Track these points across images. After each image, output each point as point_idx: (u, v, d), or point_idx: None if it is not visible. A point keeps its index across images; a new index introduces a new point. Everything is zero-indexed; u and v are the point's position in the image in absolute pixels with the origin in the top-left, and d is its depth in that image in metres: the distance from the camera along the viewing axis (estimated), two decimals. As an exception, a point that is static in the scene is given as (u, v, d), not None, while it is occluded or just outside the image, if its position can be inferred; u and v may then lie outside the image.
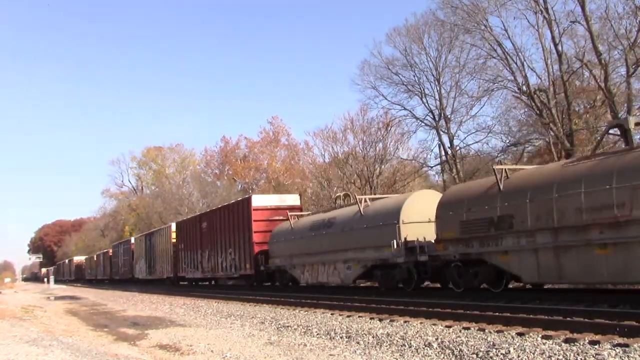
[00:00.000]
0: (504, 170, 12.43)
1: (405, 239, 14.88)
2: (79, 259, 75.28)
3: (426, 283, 16.08)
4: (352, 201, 18.14)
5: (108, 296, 31.59)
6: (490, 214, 12.26)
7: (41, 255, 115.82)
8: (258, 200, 23.35)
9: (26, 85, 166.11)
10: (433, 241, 14.22)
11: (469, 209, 12.92)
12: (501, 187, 12.11)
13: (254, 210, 22.70)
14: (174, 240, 32.47)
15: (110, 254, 52.38)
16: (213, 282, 31.63)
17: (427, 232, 14.56)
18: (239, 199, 26.69)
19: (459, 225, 13.11)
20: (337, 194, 23.64)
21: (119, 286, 43.46)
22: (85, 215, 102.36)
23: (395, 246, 14.94)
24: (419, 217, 15.06)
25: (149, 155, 71.56)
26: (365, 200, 17.32)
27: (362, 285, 16.54)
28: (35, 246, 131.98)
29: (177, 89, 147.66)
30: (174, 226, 33.41)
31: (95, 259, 61.82)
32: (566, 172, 11.13)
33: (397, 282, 15.77)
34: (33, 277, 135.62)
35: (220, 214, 26.27)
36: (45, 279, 74.71)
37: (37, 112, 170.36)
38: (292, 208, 22.61)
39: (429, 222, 14.48)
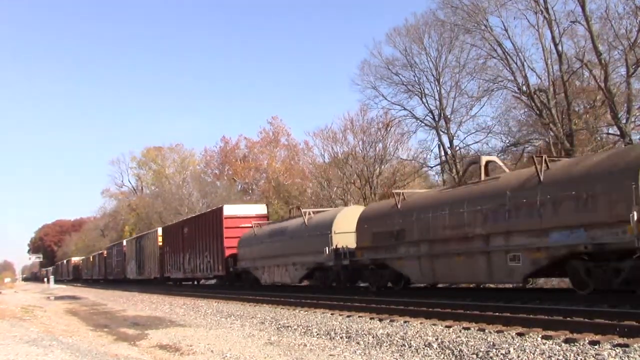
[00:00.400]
0: (402, 194, 15.75)
1: (335, 246, 17.69)
2: (76, 259, 77.54)
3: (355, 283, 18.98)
4: (299, 214, 21.14)
5: (108, 296, 31.60)
6: (392, 228, 15.25)
7: (41, 255, 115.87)
8: (229, 210, 26.35)
9: (26, 85, 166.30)
10: (354, 248, 17.16)
11: (378, 223, 15.93)
12: (399, 207, 15.16)
13: (225, 218, 25.67)
14: (161, 244, 35.15)
15: (105, 255, 55.00)
16: (195, 282, 34.14)
17: (352, 241, 17.29)
18: (213, 208, 29.56)
19: (371, 237, 16.13)
20: (291, 207, 27.89)
21: (118, 286, 43.51)
22: (85, 215, 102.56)
23: (327, 252, 17.88)
24: (347, 228, 17.62)
25: (149, 156, 71.59)
26: (309, 213, 20.40)
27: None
28: (35, 246, 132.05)
29: (177, 89, 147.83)
30: (160, 231, 36.11)
31: (91, 259, 64.14)
32: (439, 197, 14.43)
33: (331, 282, 18.95)
34: (33, 277, 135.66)
35: (199, 221, 29.36)
36: (45, 279, 74.92)
37: (37, 112, 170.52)
38: (259, 217, 25.85)
39: (354, 232, 17.15)
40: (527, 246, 11.31)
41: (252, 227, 23.68)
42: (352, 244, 17.21)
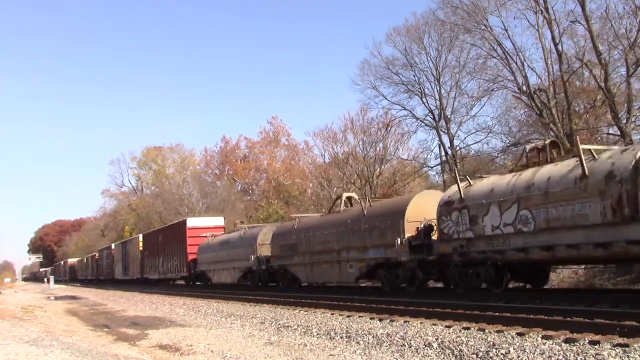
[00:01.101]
0: (297, 218, 21.50)
1: (259, 255, 22.84)
2: (72, 260, 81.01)
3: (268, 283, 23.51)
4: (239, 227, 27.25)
5: (108, 296, 31.60)
6: (290, 242, 20.60)
7: (41, 255, 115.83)
8: (191, 222, 31.92)
9: (26, 85, 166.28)
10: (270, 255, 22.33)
11: (283, 239, 21.28)
12: (295, 227, 20.60)
13: (188, 229, 31.12)
14: (141, 249, 40.06)
15: (97, 257, 59.11)
16: (172, 282, 38.10)
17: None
18: (180, 220, 34.91)
19: (279, 248, 21.46)
20: (236, 222, 32.01)
21: (118, 286, 43.68)
22: (85, 215, 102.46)
23: (252, 259, 22.98)
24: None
25: (149, 155, 71.50)
26: (245, 228, 26.23)
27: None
28: (35, 246, 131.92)
29: (177, 89, 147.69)
30: (141, 237, 41.12)
31: (85, 261, 68.64)
32: (318, 221, 19.96)
33: (257, 282, 23.63)
34: (32, 277, 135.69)
35: (170, 231, 34.58)
36: (45, 279, 75.20)
37: (37, 112, 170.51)
38: (217, 227, 30.74)
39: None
40: (357, 258, 16.88)
41: (207, 237, 29.14)
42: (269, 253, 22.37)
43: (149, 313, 18.02)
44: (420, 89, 32.33)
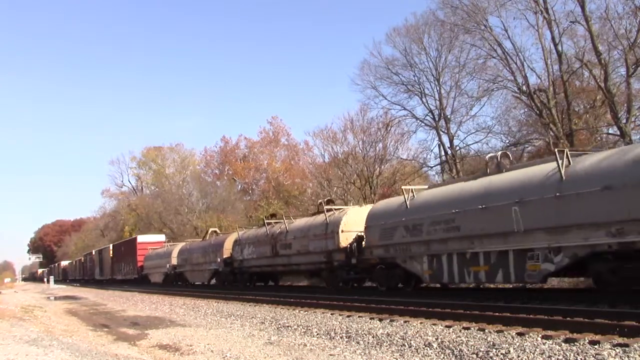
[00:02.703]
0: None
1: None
2: (64, 263, 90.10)
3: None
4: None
5: (108, 296, 31.60)
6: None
7: (41, 256, 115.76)
8: (140, 239, 43.70)
9: (26, 84, 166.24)
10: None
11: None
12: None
13: (138, 243, 42.69)
14: (111, 255, 50.97)
15: (83, 261, 68.84)
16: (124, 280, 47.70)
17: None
18: (134, 237, 47.54)
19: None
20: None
21: (118, 286, 44.04)
22: (85, 215, 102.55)
23: (219, 261, 27.33)
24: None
25: (149, 155, 71.48)
26: (173, 245, 36.52)
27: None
28: (35, 246, 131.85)
29: (177, 89, 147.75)
30: (111, 247, 52.09)
31: (74, 264, 77.83)
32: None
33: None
34: (31, 277, 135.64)
35: (128, 244, 46.46)
36: (45, 279, 75.55)
37: (37, 112, 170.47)
38: (158, 242, 41.89)
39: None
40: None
41: (148, 249, 40.64)
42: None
43: (149, 313, 18.01)
44: (420, 89, 32.39)
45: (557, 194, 10.54)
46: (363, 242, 16.81)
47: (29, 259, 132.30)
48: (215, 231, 31.76)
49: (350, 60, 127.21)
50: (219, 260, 26.86)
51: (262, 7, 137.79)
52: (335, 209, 19.53)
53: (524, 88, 25.03)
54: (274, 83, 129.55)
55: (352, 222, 17.84)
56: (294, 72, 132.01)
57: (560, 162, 10.65)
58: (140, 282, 41.30)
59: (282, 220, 22.11)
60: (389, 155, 35.50)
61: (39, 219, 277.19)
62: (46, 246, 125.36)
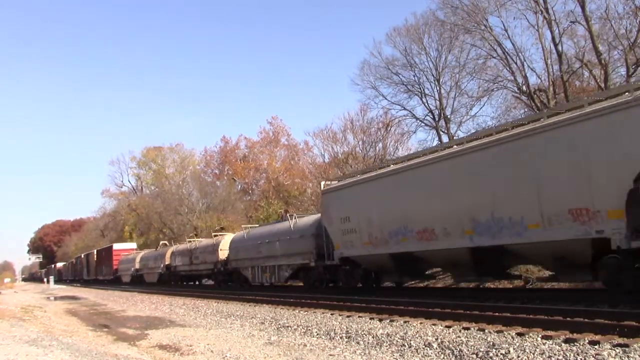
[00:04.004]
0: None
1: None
2: (60, 265, 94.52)
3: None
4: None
5: (108, 296, 31.60)
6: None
7: (41, 256, 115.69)
8: (116, 246, 51.80)
9: (26, 85, 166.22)
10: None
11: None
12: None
13: (113, 250, 50.94)
14: (95, 259, 58.47)
15: (74, 263, 75.04)
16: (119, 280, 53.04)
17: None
18: (110, 244, 54.93)
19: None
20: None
21: (118, 287, 44.11)
22: (85, 215, 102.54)
23: (162, 266, 36.38)
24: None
25: (149, 155, 71.45)
26: (138, 252, 44.51)
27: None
28: (35, 246, 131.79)
29: (177, 89, 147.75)
30: (95, 252, 59.36)
31: (67, 265, 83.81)
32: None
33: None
34: (31, 277, 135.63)
35: (106, 250, 54.01)
36: (45, 279, 75.70)
37: (37, 112, 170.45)
38: (131, 249, 50.62)
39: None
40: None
41: (121, 255, 49.27)
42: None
43: (149, 313, 18.01)
44: (420, 89, 32.33)
45: (288, 237, 20.74)
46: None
47: (29, 259, 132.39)
48: (165, 243, 43.19)
49: (350, 61, 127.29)
50: (162, 265, 37.01)
51: (262, 8, 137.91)
52: (220, 235, 30.12)
53: (524, 88, 25.01)
54: (274, 83, 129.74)
55: (227, 243, 27.25)
56: (294, 72, 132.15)
57: (291, 221, 21.31)
58: (115, 281, 49.74)
59: (198, 240, 34.12)
60: (388, 155, 35.48)
61: (39, 219, 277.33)
62: (46, 246, 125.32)
